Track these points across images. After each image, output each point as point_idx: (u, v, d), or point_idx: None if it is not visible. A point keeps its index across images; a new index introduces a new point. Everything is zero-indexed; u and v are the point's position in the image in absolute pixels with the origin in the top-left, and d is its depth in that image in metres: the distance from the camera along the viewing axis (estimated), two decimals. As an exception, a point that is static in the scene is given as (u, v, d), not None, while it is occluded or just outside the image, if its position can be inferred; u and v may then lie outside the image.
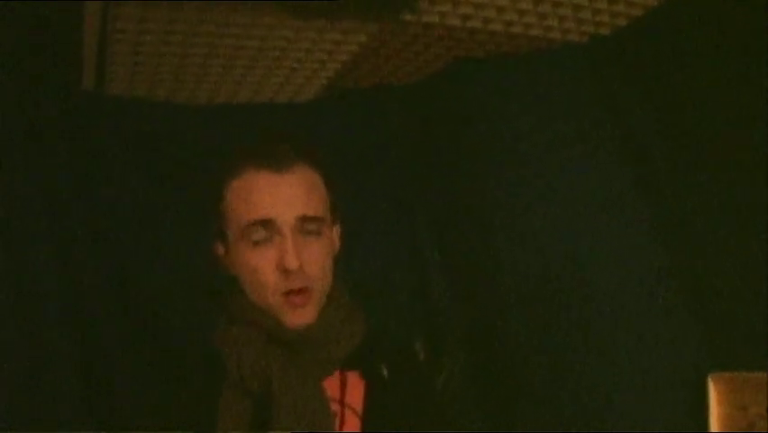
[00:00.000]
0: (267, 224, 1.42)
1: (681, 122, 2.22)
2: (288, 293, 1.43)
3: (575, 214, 2.36)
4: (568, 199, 2.37)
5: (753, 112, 2.04)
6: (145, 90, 2.47)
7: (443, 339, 2.45)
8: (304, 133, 2.45)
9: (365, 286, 2.40)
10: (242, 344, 1.44)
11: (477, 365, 2.49)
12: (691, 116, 2.19)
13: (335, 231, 1.55)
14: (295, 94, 2.55)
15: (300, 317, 1.44)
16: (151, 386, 1.62)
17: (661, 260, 2.26)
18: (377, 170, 2.54)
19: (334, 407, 1.45)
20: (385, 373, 1.49)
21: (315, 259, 1.44)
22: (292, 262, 1.40)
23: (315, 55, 2.30)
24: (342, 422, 1.45)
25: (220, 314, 1.51)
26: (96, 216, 2.38)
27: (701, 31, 2.14)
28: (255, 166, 1.44)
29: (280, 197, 1.42)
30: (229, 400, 1.40)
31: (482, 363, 2.49)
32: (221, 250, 1.51)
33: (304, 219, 1.44)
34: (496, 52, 2.36)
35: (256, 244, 1.43)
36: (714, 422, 2.13)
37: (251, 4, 2.05)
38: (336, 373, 1.49)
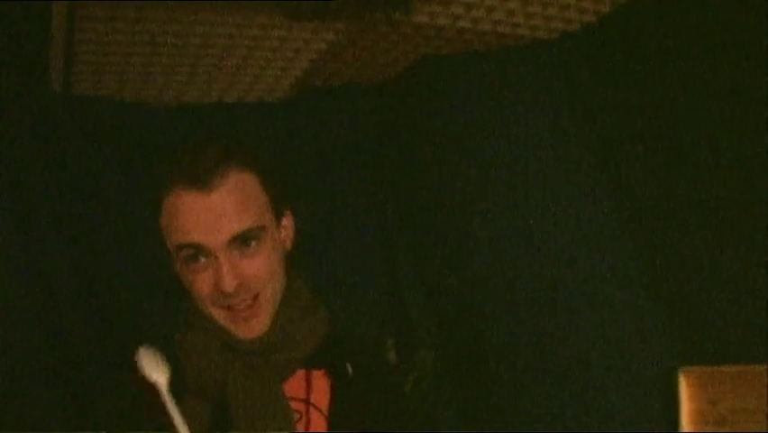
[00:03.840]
0: (197, 247, 1.37)
1: (650, 117, 2.22)
2: (232, 307, 1.39)
3: (546, 211, 2.36)
4: (539, 196, 2.37)
5: (723, 108, 2.04)
6: (113, 90, 2.45)
7: (414, 338, 2.45)
8: (274, 131, 2.47)
9: (336, 284, 2.40)
10: (197, 351, 1.41)
11: (449, 364, 2.49)
12: (660, 112, 2.20)
13: (285, 223, 1.50)
14: (264, 93, 2.53)
15: (250, 330, 1.39)
16: (120, 389, 1.59)
17: (632, 256, 2.26)
18: (347, 168, 2.53)
19: (299, 407, 1.43)
20: (350, 371, 1.47)
21: (257, 269, 1.38)
22: (228, 286, 1.35)
23: (283, 53, 2.29)
24: (308, 422, 1.43)
25: (179, 319, 1.49)
26: (66, 215, 2.37)
27: (669, 27, 2.14)
28: (181, 184, 1.37)
29: (207, 220, 1.35)
30: (189, 405, 1.38)
31: (455, 362, 2.49)
32: (172, 262, 1.47)
33: (238, 237, 1.39)
34: (464, 50, 2.35)
35: (191, 263, 1.39)
36: (685, 417, 2.13)
37: (219, 3, 2.03)
38: (301, 373, 1.46)
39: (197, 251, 1.37)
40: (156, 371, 1.35)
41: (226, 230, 1.36)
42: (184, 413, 1.38)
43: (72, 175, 2.40)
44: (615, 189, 2.30)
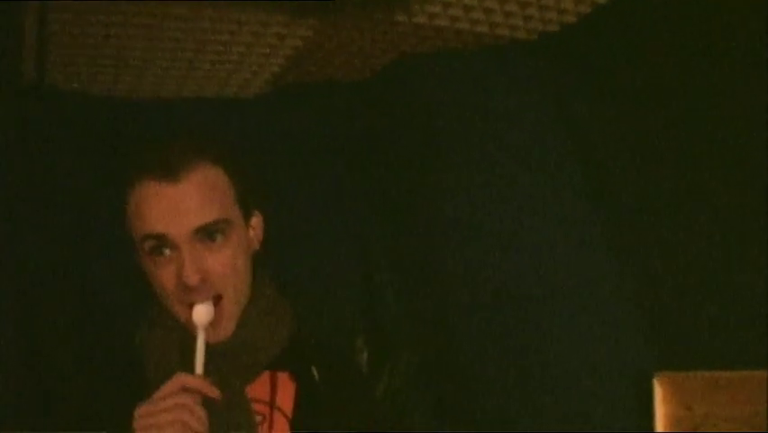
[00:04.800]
0: (161, 238, 1.35)
1: (628, 117, 2.21)
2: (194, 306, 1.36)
3: (523, 210, 2.35)
4: (516, 195, 2.36)
5: (703, 108, 2.03)
6: (86, 84, 2.43)
7: (388, 339, 2.43)
8: (249, 127, 2.45)
9: (309, 284, 2.38)
10: (159, 351, 1.39)
11: (424, 365, 2.47)
12: (638, 112, 2.18)
13: (254, 223, 1.48)
14: (240, 89, 2.51)
15: (214, 334, 1.37)
16: (87, 387, 1.56)
17: (608, 260, 2.25)
18: (322, 166, 2.51)
19: (263, 409, 1.41)
20: (315, 374, 1.45)
21: (221, 265, 1.35)
22: (190, 278, 1.32)
23: (258, 49, 2.27)
24: (271, 424, 1.41)
25: (143, 317, 1.46)
26: (38, 208, 2.35)
27: (647, 27, 2.13)
28: (147, 176, 1.36)
29: (172, 210, 1.32)
30: None
31: (429, 363, 2.47)
32: (138, 255, 1.44)
33: (202, 229, 1.37)
34: (442, 48, 2.33)
35: (155, 256, 1.36)
36: (659, 422, 2.12)
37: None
38: (266, 375, 1.44)
39: (161, 242, 1.35)
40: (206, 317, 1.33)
41: (190, 221, 1.34)
42: None
43: (44, 168, 2.38)
44: (592, 191, 2.28)
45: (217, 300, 1.37)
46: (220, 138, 1.49)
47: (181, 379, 1.28)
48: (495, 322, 2.35)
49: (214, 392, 1.28)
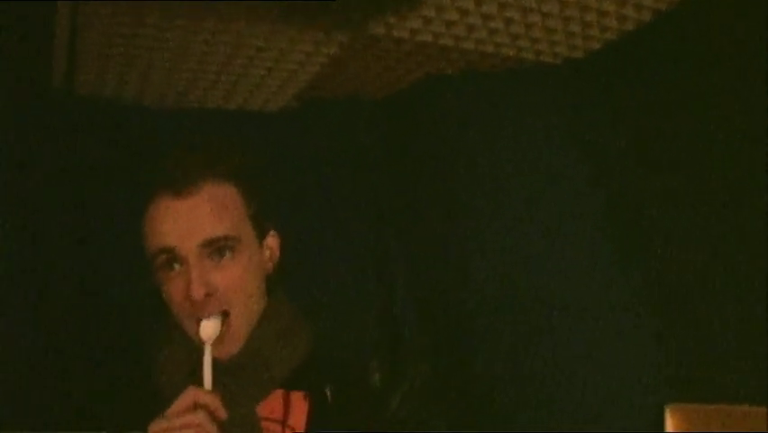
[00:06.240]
0: (170, 252, 1.37)
1: (651, 144, 2.21)
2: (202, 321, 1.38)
3: (543, 232, 2.35)
4: (537, 217, 2.36)
5: (728, 137, 2.03)
6: (114, 92, 2.44)
7: (404, 356, 2.43)
8: (272, 141, 2.46)
9: (328, 299, 2.38)
10: (170, 366, 1.40)
11: (441, 383, 2.47)
12: (662, 139, 2.18)
13: (270, 242, 1.48)
14: (265, 102, 2.53)
15: (221, 349, 1.39)
16: (121, 389, 1.58)
17: (624, 286, 2.25)
18: (345, 183, 2.52)
19: (276, 428, 1.42)
20: (328, 394, 1.46)
21: (229, 281, 1.36)
22: (197, 292, 1.34)
23: (285, 65, 2.28)
24: (283, 444, 1.42)
25: (158, 333, 1.48)
26: (63, 214, 2.37)
27: (674, 55, 2.13)
28: (161, 191, 1.39)
29: (180, 224, 1.35)
30: None
31: (447, 382, 2.47)
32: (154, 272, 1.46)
33: (210, 243, 1.37)
34: (467, 70, 2.34)
35: (165, 271, 1.38)
36: (671, 454, 2.11)
37: (222, 6, 2.01)
38: (280, 393, 1.45)
39: (171, 256, 1.36)
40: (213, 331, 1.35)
41: (197, 235, 1.35)
42: None
43: (70, 174, 2.40)
44: (614, 217, 2.28)
45: (225, 316, 1.38)
46: (239, 151, 1.50)
47: (193, 394, 1.29)
48: (512, 343, 2.35)
49: (221, 412, 1.29)
